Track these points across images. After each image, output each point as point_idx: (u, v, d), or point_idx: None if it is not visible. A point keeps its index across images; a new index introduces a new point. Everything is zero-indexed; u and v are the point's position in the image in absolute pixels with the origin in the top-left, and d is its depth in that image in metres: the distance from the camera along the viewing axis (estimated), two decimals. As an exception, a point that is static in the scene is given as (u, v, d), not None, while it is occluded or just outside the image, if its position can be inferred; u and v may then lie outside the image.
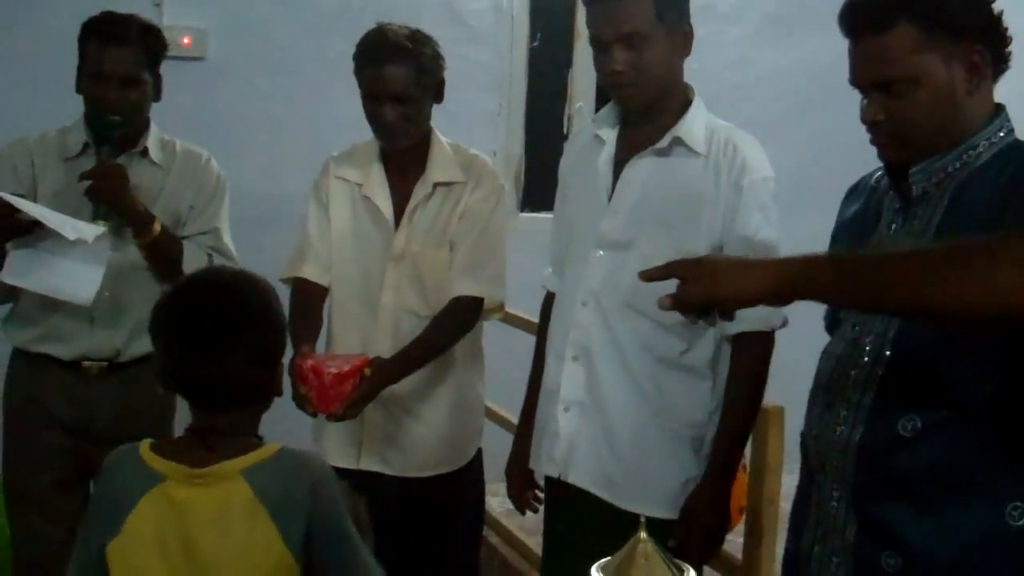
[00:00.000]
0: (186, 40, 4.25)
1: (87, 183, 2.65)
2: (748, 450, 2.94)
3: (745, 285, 1.58)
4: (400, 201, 2.70)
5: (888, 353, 1.70)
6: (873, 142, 1.77)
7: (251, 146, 4.33)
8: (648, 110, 2.27)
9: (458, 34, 4.71)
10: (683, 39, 2.26)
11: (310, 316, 2.71)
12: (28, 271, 2.61)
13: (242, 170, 4.12)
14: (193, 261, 2.74)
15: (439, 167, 2.70)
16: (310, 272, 2.73)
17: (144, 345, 2.75)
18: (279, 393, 1.87)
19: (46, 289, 2.63)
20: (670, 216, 2.23)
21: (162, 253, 2.73)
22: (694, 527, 2.21)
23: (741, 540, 2.74)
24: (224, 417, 1.76)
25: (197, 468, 1.72)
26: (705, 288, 1.62)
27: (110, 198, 2.66)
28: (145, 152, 2.80)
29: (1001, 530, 1.63)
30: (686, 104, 2.29)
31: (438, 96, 2.70)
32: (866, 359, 1.73)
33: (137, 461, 1.75)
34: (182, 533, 1.71)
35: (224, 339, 1.74)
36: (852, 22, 1.73)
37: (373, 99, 2.60)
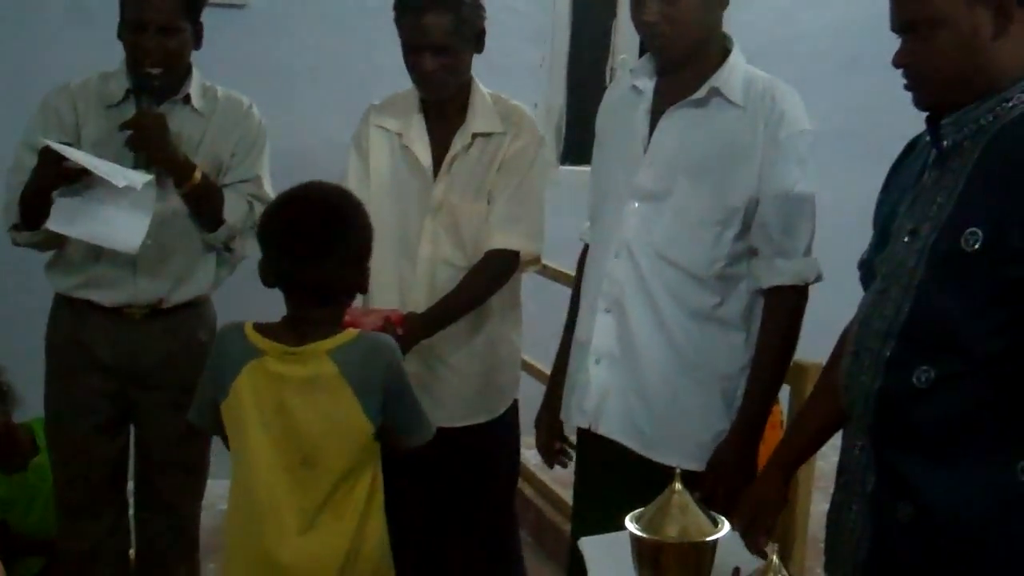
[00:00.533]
0: (229, -13, 4.24)
1: (128, 132, 2.66)
2: (785, 407, 2.96)
3: None
4: (439, 151, 2.70)
5: (909, 304, 1.70)
6: (904, 87, 1.75)
7: (293, 94, 4.34)
8: (685, 61, 2.24)
9: (501, -16, 4.68)
10: None
11: None
12: (74, 219, 2.61)
13: (284, 118, 4.12)
14: (234, 209, 2.76)
15: (479, 117, 2.69)
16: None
17: (187, 292, 2.80)
18: (365, 290, 2.26)
19: (92, 237, 2.64)
20: (706, 168, 2.21)
21: (203, 201, 2.74)
22: (721, 479, 2.22)
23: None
24: (318, 311, 2.10)
25: (291, 347, 2.06)
26: None
27: (150, 148, 2.67)
28: (187, 99, 2.80)
29: (1012, 487, 1.62)
30: (725, 55, 2.26)
31: (478, 46, 2.69)
32: (890, 309, 1.73)
33: (242, 337, 2.10)
34: (277, 400, 2.06)
35: (327, 245, 2.07)
36: None
37: (413, 49, 2.60)
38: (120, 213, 2.61)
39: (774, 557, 1.49)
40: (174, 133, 2.72)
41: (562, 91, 4.83)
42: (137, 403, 2.87)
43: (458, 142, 2.68)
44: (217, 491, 4.32)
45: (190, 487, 2.98)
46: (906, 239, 1.73)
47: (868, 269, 1.86)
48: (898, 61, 1.72)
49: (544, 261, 2.85)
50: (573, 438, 2.54)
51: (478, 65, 4.57)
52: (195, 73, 2.85)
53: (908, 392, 1.68)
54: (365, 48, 4.31)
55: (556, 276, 3.52)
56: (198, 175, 2.71)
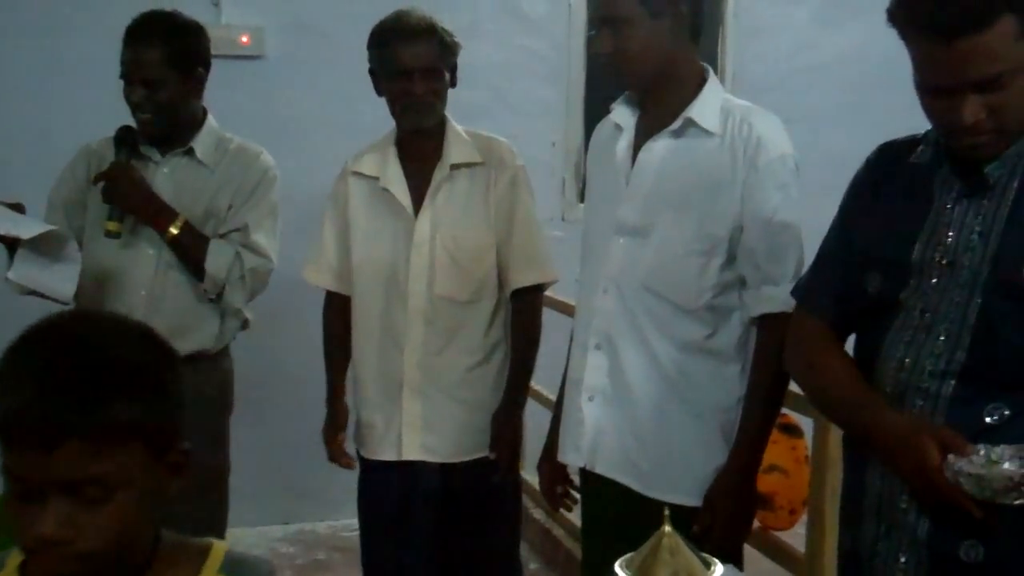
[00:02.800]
0: (244, 39, 4.30)
1: (102, 184, 2.71)
2: (810, 442, 2.92)
3: None
4: (419, 188, 2.74)
5: (968, 340, 1.64)
6: (963, 143, 1.67)
7: (309, 143, 4.35)
8: (655, 93, 2.24)
9: (516, 25, 4.70)
10: (675, 21, 2.19)
11: (338, 351, 2.91)
12: (25, 270, 2.64)
13: (300, 167, 4.16)
14: (219, 258, 2.76)
15: (455, 149, 2.74)
16: (332, 281, 2.87)
17: (187, 343, 2.78)
18: None
19: (36, 286, 2.65)
20: (687, 199, 2.19)
21: (184, 251, 2.75)
22: (718, 514, 2.17)
23: (803, 533, 2.71)
24: None
25: None
26: None
27: (121, 198, 2.71)
28: (191, 152, 2.82)
29: None
30: (701, 85, 2.24)
31: (453, 80, 2.74)
32: (943, 347, 1.66)
33: None
34: None
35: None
36: (943, 23, 1.58)
37: (403, 74, 2.65)
38: (57, 264, 2.63)
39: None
40: (171, 185, 2.76)
41: (580, 130, 4.82)
42: None
43: (438, 175, 2.73)
44: (246, 540, 4.36)
45: None
46: (941, 273, 1.68)
47: (886, 300, 1.77)
48: (972, 119, 1.61)
49: (562, 298, 2.87)
50: (576, 478, 2.51)
51: (497, 105, 4.61)
52: (209, 126, 2.87)
53: (978, 430, 1.62)
54: (381, 98, 4.32)
55: (570, 311, 3.51)
56: (175, 226, 2.72)
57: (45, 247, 2.62)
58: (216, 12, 4.22)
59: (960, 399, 1.64)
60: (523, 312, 2.80)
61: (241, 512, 3.85)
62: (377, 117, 4.25)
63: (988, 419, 1.62)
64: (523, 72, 4.70)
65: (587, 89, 4.83)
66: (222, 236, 2.80)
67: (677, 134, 2.22)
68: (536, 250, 2.77)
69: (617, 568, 1.52)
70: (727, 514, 2.17)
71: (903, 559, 1.72)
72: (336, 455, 2.93)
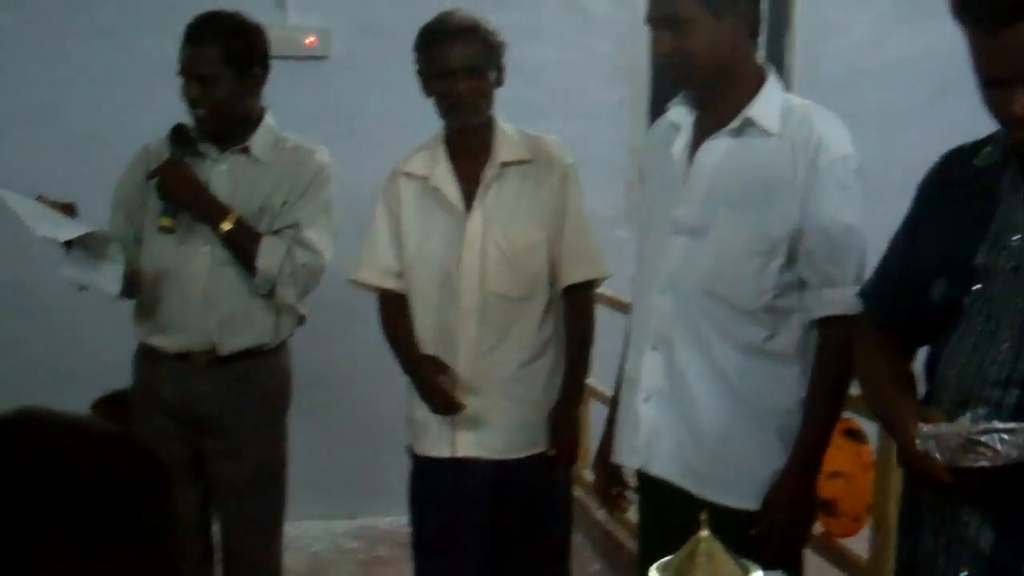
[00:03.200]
0: (310, 40, 4.33)
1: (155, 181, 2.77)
2: (874, 448, 2.88)
3: None
4: (469, 186, 2.75)
5: None
6: (1018, 137, 1.64)
7: (373, 143, 4.36)
8: (708, 90, 2.21)
9: (578, 24, 4.69)
10: (737, 22, 2.16)
11: (405, 328, 2.83)
12: (74, 268, 2.73)
13: (365, 168, 4.17)
14: (268, 255, 2.78)
15: (504, 147, 2.75)
16: (389, 280, 2.85)
17: (242, 340, 2.85)
18: None
19: (86, 281, 2.74)
20: (745, 199, 2.16)
21: (237, 247, 2.79)
22: (776, 518, 2.14)
23: (867, 540, 2.68)
24: None
25: None
26: None
27: (173, 195, 2.76)
28: (247, 150, 2.86)
29: None
30: (760, 84, 2.21)
31: (500, 79, 2.75)
32: (1006, 354, 1.63)
33: None
34: None
35: None
36: (987, 14, 1.57)
37: (448, 74, 2.67)
38: (103, 263, 2.73)
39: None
40: (228, 183, 2.81)
41: (644, 129, 4.78)
42: (204, 449, 2.92)
43: (488, 173, 2.74)
44: (311, 533, 4.40)
45: (260, 536, 2.99)
46: (1006, 278, 1.64)
47: (950, 305, 1.74)
48: (1014, 113, 1.60)
49: (620, 296, 2.86)
50: (632, 479, 2.50)
51: (561, 106, 4.60)
52: (266, 124, 2.90)
53: None
54: (428, 97, 4.35)
55: (628, 309, 3.51)
56: (228, 223, 2.76)
57: (92, 246, 2.69)
58: (282, 13, 4.27)
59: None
60: (576, 309, 2.82)
61: (307, 505, 3.90)
62: (440, 121, 4.30)
63: None
64: (587, 72, 4.69)
65: (652, 88, 4.81)
66: (275, 232, 2.83)
67: (736, 133, 2.19)
68: (587, 246, 2.78)
69: (653, 572, 1.51)
70: (786, 519, 2.14)
71: (964, 572, 1.68)
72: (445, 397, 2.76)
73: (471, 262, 2.73)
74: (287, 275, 2.79)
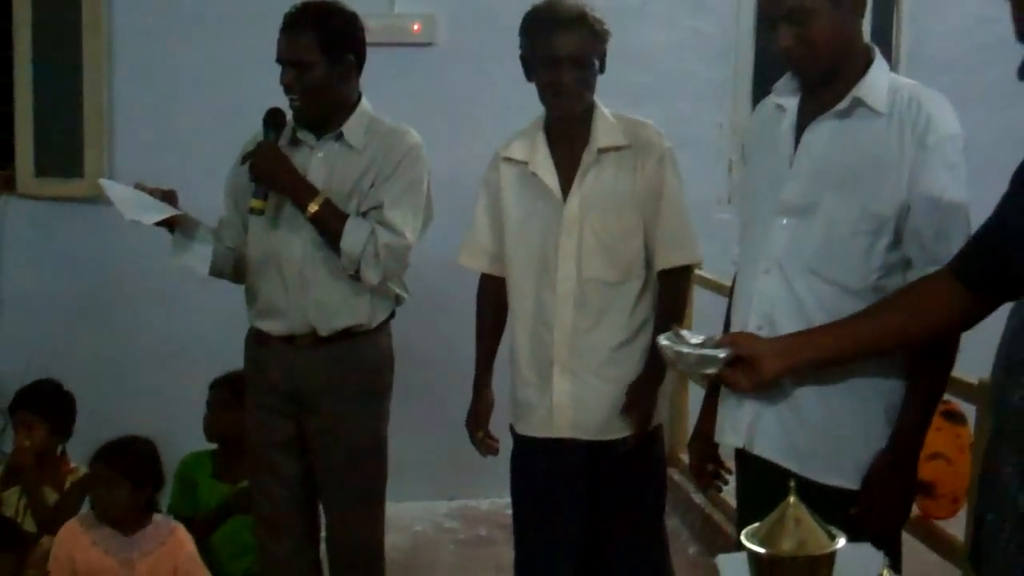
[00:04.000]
0: (416, 27, 4.40)
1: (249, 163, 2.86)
2: (972, 427, 2.85)
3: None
4: (568, 172, 2.78)
5: None
6: None
7: (479, 129, 4.42)
8: (826, 77, 2.22)
9: (684, 5, 4.69)
10: (854, 4, 2.19)
11: (489, 330, 3.00)
12: (176, 250, 2.89)
13: (471, 153, 4.23)
14: (354, 235, 2.83)
15: (602, 133, 2.77)
16: (487, 264, 2.93)
17: (341, 320, 2.92)
18: None
19: (182, 264, 2.90)
20: (853, 178, 2.17)
21: (323, 228, 2.85)
22: (876, 498, 2.15)
23: (965, 522, 2.65)
24: None
25: None
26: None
27: (265, 177, 2.83)
28: (341, 136, 2.92)
29: None
30: (867, 64, 2.22)
31: (602, 67, 2.77)
32: None
33: None
34: None
35: None
36: None
37: (554, 63, 2.70)
38: (196, 244, 2.88)
39: (885, 572, 1.48)
40: (325, 169, 2.89)
41: (748, 110, 4.76)
42: (306, 427, 3.01)
43: (586, 159, 2.77)
44: (412, 513, 4.50)
45: (360, 514, 3.07)
46: None
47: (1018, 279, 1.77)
48: None
49: (721, 279, 2.87)
50: (728, 461, 2.52)
51: (665, 87, 4.59)
52: (361, 110, 2.96)
53: None
54: (530, 82, 4.38)
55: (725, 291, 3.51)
56: (315, 204, 2.82)
57: (187, 230, 2.85)
58: (389, 2, 4.34)
59: None
60: (670, 292, 2.83)
61: (409, 487, 3.99)
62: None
63: None
64: (691, 53, 4.69)
65: (755, 69, 4.78)
66: (363, 215, 2.88)
67: (844, 114, 2.20)
68: (683, 231, 2.80)
69: (742, 537, 1.54)
70: (885, 498, 2.14)
71: (1007, 529, 1.70)
72: (479, 444, 3.03)
73: (568, 248, 2.76)
74: (370, 256, 2.82)
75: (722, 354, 2.09)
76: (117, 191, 2.81)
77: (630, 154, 2.78)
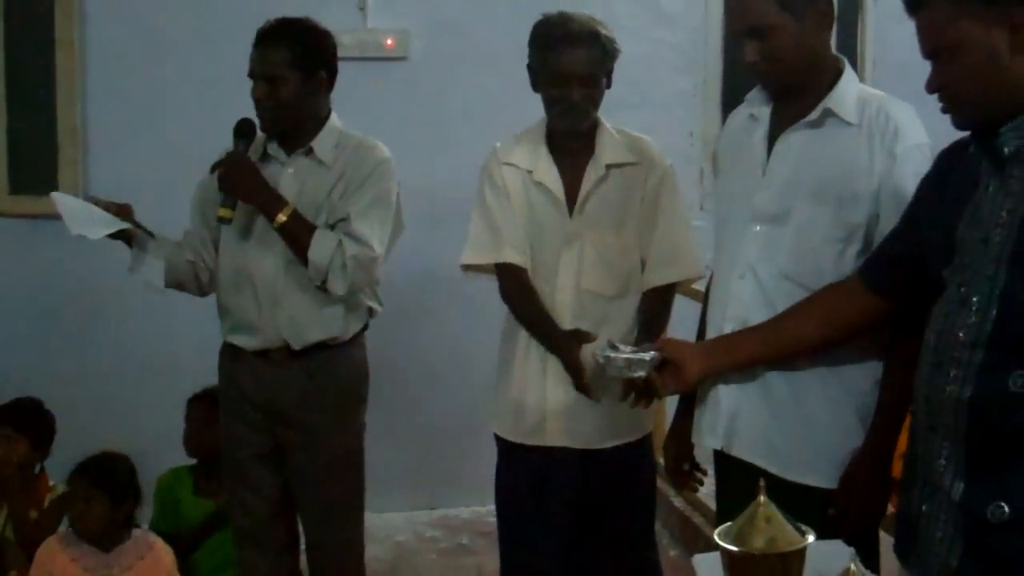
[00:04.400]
0: (389, 41, 4.43)
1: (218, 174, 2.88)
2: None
3: None
4: (572, 184, 2.79)
5: (995, 311, 1.70)
6: (941, 110, 1.82)
7: (452, 141, 4.47)
8: (793, 88, 2.28)
9: (651, 16, 4.74)
10: (819, 18, 2.24)
11: (537, 303, 2.81)
12: (134, 263, 2.92)
13: (444, 166, 4.27)
14: (322, 246, 2.84)
15: (609, 149, 2.79)
16: (512, 255, 2.83)
17: (314, 334, 2.93)
18: None
19: (140, 277, 2.92)
20: (825, 187, 2.23)
21: (291, 239, 2.86)
22: (853, 496, 2.20)
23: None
24: None
25: None
26: None
27: (233, 187, 2.85)
28: (310, 151, 2.94)
29: None
30: (837, 76, 2.28)
31: (609, 84, 2.80)
32: (974, 317, 1.73)
33: None
34: None
35: None
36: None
37: (562, 80, 2.71)
38: (149, 257, 2.91)
39: (852, 566, 1.52)
40: (295, 184, 2.90)
41: (717, 119, 4.82)
42: (282, 440, 3.03)
43: (592, 174, 2.78)
44: (393, 523, 4.51)
45: (337, 525, 3.08)
46: (976, 249, 1.75)
47: (936, 276, 1.86)
48: (929, 87, 1.80)
49: (694, 285, 2.90)
50: (703, 462, 2.57)
51: (634, 97, 4.64)
52: (330, 126, 2.98)
53: (1004, 398, 1.68)
54: (523, 95, 4.39)
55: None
56: (283, 215, 2.83)
57: (144, 243, 2.87)
58: (362, 16, 4.37)
59: (987, 368, 1.70)
60: (655, 308, 2.82)
61: (389, 497, 4.01)
62: (519, 115, 4.37)
63: (1013, 387, 1.68)
64: (660, 63, 4.73)
65: (724, 79, 4.84)
66: (332, 227, 2.89)
67: (815, 124, 2.26)
68: (680, 247, 2.80)
69: (715, 536, 1.58)
70: (861, 496, 2.19)
71: (942, 519, 1.78)
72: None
73: (569, 259, 2.78)
74: (337, 267, 2.83)
75: (647, 357, 2.20)
76: (67, 205, 2.82)
77: (634, 171, 2.80)
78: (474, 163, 4.44)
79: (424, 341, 4.57)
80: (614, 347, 2.23)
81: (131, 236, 2.84)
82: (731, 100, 4.86)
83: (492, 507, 4.61)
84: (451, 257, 4.32)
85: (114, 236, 2.81)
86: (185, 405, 3.70)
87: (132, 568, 3.19)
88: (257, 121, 2.92)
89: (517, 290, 2.83)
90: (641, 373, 2.21)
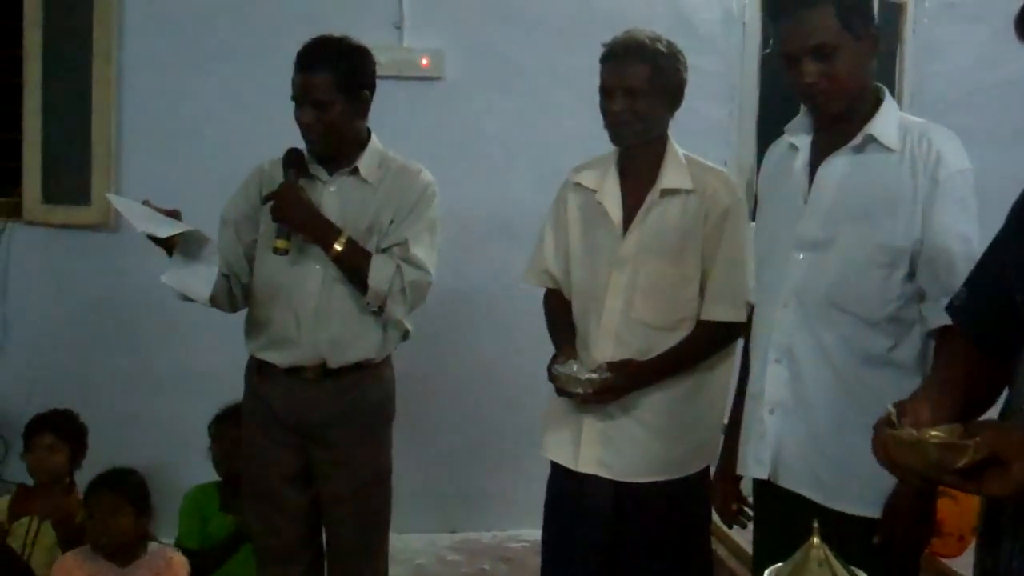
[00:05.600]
0: (425, 61, 4.43)
1: (271, 203, 2.85)
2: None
3: None
4: (632, 207, 2.77)
5: None
6: None
7: (486, 161, 4.47)
8: (843, 114, 2.28)
9: (688, 44, 4.62)
10: (871, 43, 2.26)
11: (563, 324, 2.86)
12: (176, 272, 2.80)
13: (477, 185, 4.28)
14: (379, 272, 2.85)
15: (669, 174, 2.75)
16: (550, 282, 2.91)
17: (352, 354, 2.92)
18: None
19: (179, 287, 2.81)
20: (867, 213, 2.23)
21: (348, 267, 2.86)
22: (897, 524, 2.17)
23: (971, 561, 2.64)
24: None
25: None
26: None
27: (287, 217, 2.84)
28: (356, 171, 2.94)
29: None
30: (877, 103, 2.29)
31: (674, 102, 2.78)
32: None
33: None
34: None
35: None
36: None
37: (604, 92, 2.72)
38: (197, 266, 2.79)
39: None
40: (337, 203, 2.89)
41: (752, 148, 4.80)
42: (312, 459, 3.01)
43: (649, 198, 2.75)
44: (414, 546, 4.48)
45: (365, 544, 3.06)
46: None
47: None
48: None
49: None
50: (749, 488, 2.53)
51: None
52: (372, 146, 2.98)
53: None
54: (556, 114, 4.42)
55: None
56: (340, 243, 2.83)
57: (192, 250, 2.78)
58: (398, 35, 4.38)
59: None
60: (695, 333, 2.75)
61: (411, 519, 3.98)
62: (552, 136, 4.38)
63: None
64: (695, 91, 4.67)
65: (760, 107, 4.81)
66: (383, 251, 2.90)
67: (857, 150, 2.26)
68: (728, 288, 2.72)
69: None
70: (906, 523, 2.17)
71: (1018, 558, 1.69)
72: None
73: (619, 284, 2.74)
74: (397, 292, 2.86)
75: (595, 376, 2.62)
76: (126, 205, 2.80)
77: (695, 199, 2.74)
78: (506, 184, 4.48)
79: (449, 362, 4.55)
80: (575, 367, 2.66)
81: (173, 244, 2.79)
82: (766, 128, 4.84)
83: (514, 532, 4.66)
84: (479, 277, 4.34)
85: (159, 242, 2.76)
86: (212, 424, 3.70)
87: (149, 582, 3.18)
88: (295, 139, 2.92)
89: (547, 309, 2.96)
90: (579, 390, 2.66)
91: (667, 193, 2.74)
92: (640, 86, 2.69)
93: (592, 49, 2.79)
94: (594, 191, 2.81)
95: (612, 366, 2.66)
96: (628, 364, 2.69)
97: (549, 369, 2.72)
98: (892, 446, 1.67)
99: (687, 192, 2.74)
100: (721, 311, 2.72)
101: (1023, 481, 1.58)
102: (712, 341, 2.76)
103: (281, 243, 2.85)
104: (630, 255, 2.74)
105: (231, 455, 3.52)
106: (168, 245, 2.77)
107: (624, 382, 2.69)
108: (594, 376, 2.63)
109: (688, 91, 4.68)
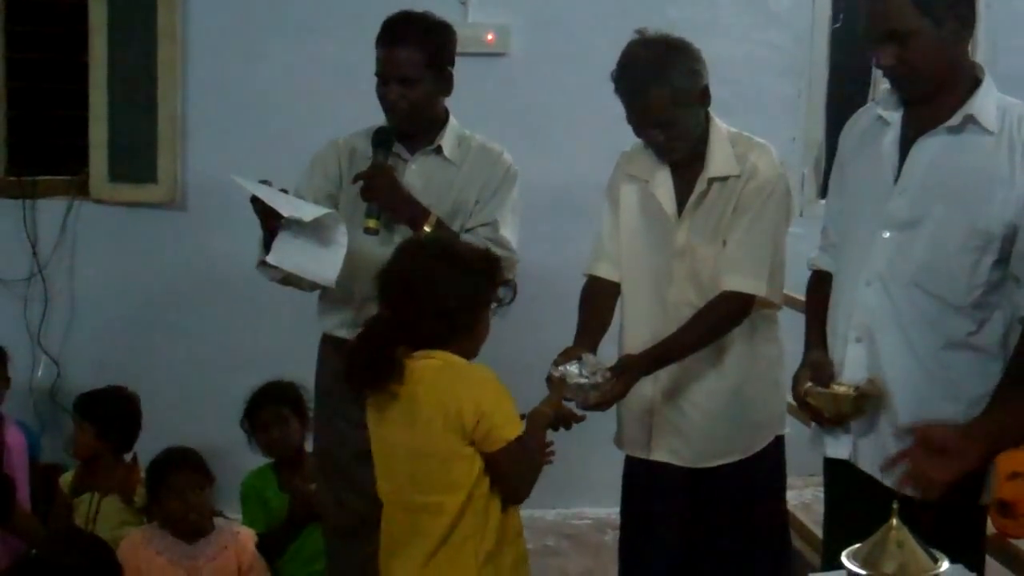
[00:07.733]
0: (490, 37, 4.41)
1: (361, 183, 2.83)
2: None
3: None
4: (683, 196, 2.75)
5: None
6: None
7: (550, 138, 4.43)
8: (928, 95, 2.23)
9: (757, 19, 4.65)
10: (957, 24, 2.19)
11: (595, 313, 2.82)
12: (285, 253, 2.73)
13: (541, 161, 4.24)
14: None
15: (715, 162, 2.72)
16: (603, 270, 2.86)
17: None
18: None
19: (296, 269, 2.77)
20: (961, 194, 2.18)
21: None
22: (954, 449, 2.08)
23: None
24: None
25: None
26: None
27: (378, 197, 2.82)
28: (439, 150, 2.93)
29: None
30: (975, 83, 2.23)
31: (704, 101, 2.72)
32: None
33: None
34: None
35: None
36: None
37: (639, 125, 2.72)
38: (321, 249, 2.74)
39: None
40: (420, 182, 2.88)
41: (821, 124, 4.72)
42: None
43: (697, 188, 2.72)
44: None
45: None
46: None
47: None
48: None
49: (795, 294, 2.83)
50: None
51: (737, 101, 4.57)
52: (452, 124, 2.97)
53: None
54: (617, 91, 4.36)
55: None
56: (430, 224, 2.81)
57: (309, 231, 2.72)
58: (463, 11, 4.36)
59: None
60: (709, 304, 2.67)
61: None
62: (615, 111, 4.33)
63: None
64: (764, 66, 4.64)
65: (829, 84, 4.73)
66: (468, 231, 2.89)
67: (955, 130, 2.21)
68: (753, 259, 2.67)
69: (844, 558, 1.53)
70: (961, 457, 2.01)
71: None
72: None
73: (681, 272, 2.73)
74: None
75: (598, 379, 2.51)
76: (260, 189, 2.70)
77: (735, 183, 2.71)
78: (570, 162, 4.44)
79: (515, 336, 4.53)
80: (583, 363, 2.54)
81: (320, 223, 2.73)
82: (836, 105, 4.75)
83: (577, 510, 4.66)
84: (543, 253, 4.31)
85: (265, 223, 2.71)
86: (245, 417, 3.68)
87: (217, 558, 3.20)
88: (386, 122, 2.91)
89: (584, 296, 2.86)
90: (579, 397, 2.54)
91: (715, 180, 2.71)
92: (668, 113, 2.63)
93: (659, 25, 2.75)
94: (647, 181, 2.79)
95: (613, 368, 2.61)
96: (628, 364, 2.65)
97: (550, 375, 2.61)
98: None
99: (736, 177, 2.71)
100: (734, 281, 2.65)
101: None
102: (723, 314, 2.67)
103: (372, 223, 2.84)
104: (686, 244, 2.72)
105: (282, 437, 3.56)
106: (272, 226, 2.72)
107: (631, 379, 2.63)
108: (598, 381, 2.50)
109: (757, 66, 4.67)
